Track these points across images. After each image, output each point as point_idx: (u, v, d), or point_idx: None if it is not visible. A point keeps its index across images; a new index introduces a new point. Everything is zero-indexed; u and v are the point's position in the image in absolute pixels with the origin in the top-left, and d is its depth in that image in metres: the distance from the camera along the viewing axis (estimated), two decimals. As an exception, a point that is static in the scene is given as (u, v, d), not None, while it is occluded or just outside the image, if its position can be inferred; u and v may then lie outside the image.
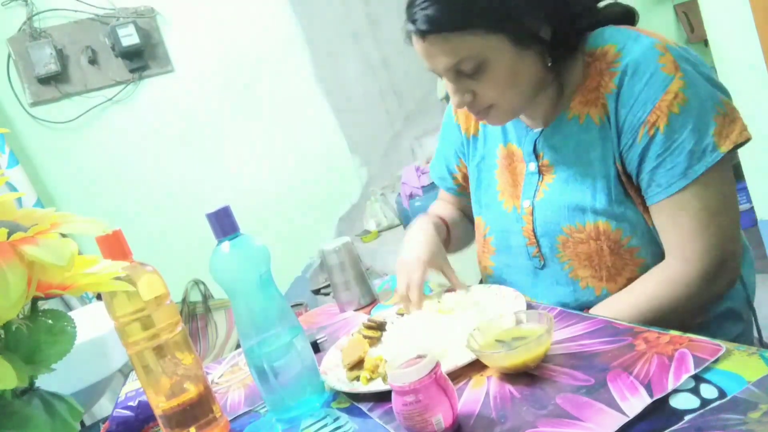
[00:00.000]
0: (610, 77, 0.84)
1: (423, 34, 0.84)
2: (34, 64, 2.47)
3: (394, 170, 3.10)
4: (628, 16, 0.94)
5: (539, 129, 0.95)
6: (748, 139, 0.82)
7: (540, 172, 0.96)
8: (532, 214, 0.96)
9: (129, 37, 2.55)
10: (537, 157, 0.96)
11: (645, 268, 0.88)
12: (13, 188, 2.30)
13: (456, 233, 1.17)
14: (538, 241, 0.96)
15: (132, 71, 2.66)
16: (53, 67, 2.49)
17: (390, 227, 2.93)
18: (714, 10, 2.01)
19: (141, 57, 2.66)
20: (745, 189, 2.27)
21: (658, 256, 0.87)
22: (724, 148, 0.80)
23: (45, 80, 2.52)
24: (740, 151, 2.17)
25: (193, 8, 2.76)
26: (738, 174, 2.30)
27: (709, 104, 0.81)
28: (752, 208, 2.22)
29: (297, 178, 2.93)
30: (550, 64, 0.87)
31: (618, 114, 0.84)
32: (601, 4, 0.93)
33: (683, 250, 0.84)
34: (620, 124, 0.84)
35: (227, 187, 2.78)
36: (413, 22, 0.85)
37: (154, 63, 2.70)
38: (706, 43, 2.25)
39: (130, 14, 2.65)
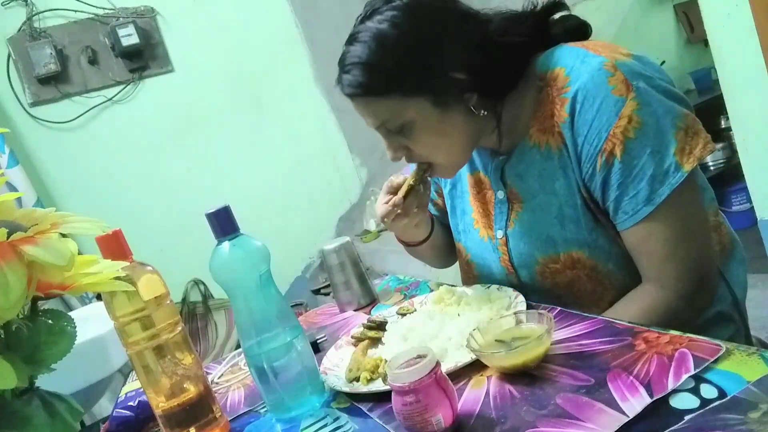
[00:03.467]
0: (562, 104, 0.82)
1: (348, 96, 0.87)
2: (34, 64, 2.47)
3: (394, 170, 3.09)
4: (580, 31, 0.92)
5: (503, 156, 0.94)
6: (712, 152, 0.79)
7: (509, 201, 0.95)
8: (507, 244, 0.95)
9: (129, 37, 2.55)
10: (504, 185, 0.95)
11: (626, 289, 0.87)
12: (13, 188, 2.29)
13: (437, 240, 1.15)
14: (516, 272, 0.95)
15: (132, 71, 2.66)
16: (53, 67, 2.49)
17: (390, 227, 2.93)
18: (714, 10, 2.00)
19: (141, 57, 2.66)
20: (744, 189, 2.27)
21: (638, 276, 0.86)
22: (688, 166, 0.77)
23: (45, 80, 2.52)
24: (740, 151, 2.18)
25: (193, 8, 2.76)
26: (738, 174, 2.30)
27: (666, 122, 0.78)
28: (752, 208, 2.22)
29: (297, 178, 2.93)
30: (484, 113, 0.87)
31: (575, 143, 0.82)
32: (556, 15, 0.92)
33: (658, 276, 0.82)
34: (578, 153, 0.83)
35: (227, 186, 2.78)
36: (340, 83, 0.88)
37: (154, 63, 2.70)
38: (706, 43, 2.25)
39: (130, 14, 2.65)
